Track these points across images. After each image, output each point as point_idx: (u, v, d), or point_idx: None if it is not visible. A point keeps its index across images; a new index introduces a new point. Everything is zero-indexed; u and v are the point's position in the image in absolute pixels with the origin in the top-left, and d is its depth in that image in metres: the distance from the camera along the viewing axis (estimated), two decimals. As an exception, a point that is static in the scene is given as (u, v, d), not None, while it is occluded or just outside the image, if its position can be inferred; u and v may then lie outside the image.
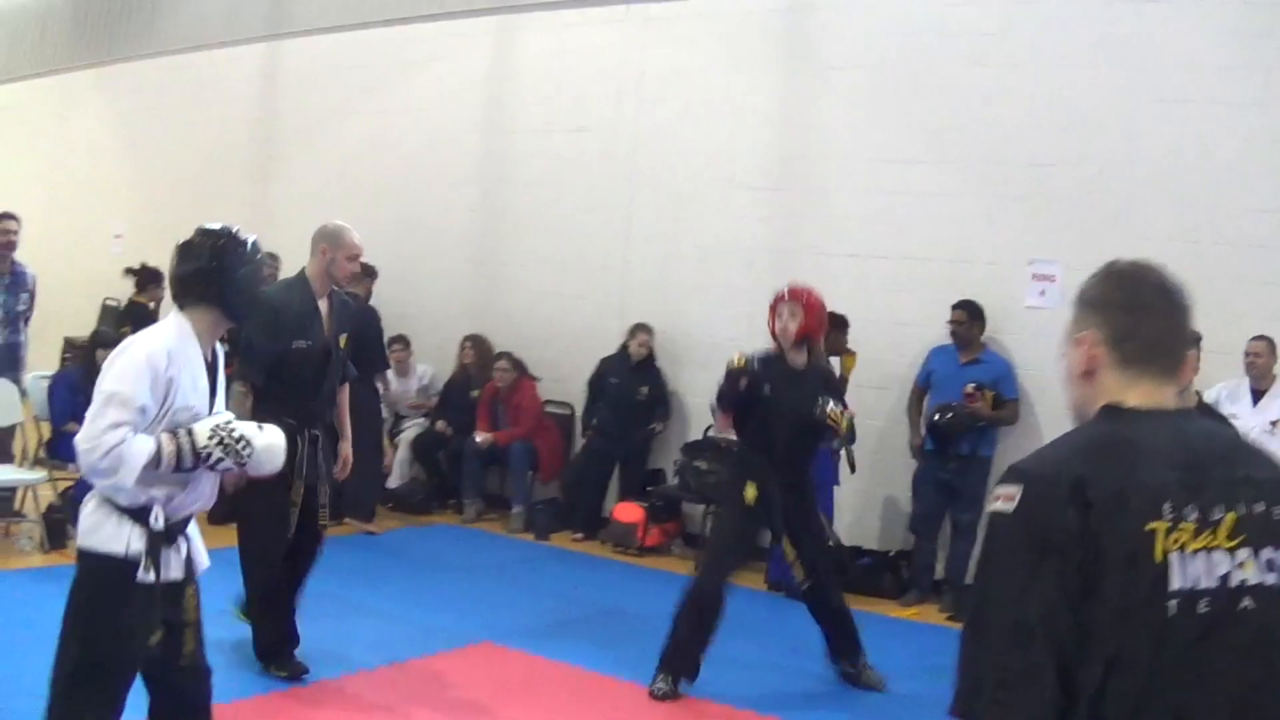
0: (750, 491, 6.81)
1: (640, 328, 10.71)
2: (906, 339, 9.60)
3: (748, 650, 7.25)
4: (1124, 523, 2.07)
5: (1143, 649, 2.05)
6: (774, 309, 6.95)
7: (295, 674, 6.40)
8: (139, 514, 4.08)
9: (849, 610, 7.16)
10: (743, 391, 6.72)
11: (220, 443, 4.17)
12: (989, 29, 9.39)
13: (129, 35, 15.95)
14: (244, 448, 4.23)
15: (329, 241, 6.58)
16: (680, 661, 6.71)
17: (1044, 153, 9.13)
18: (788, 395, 6.75)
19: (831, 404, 6.76)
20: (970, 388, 8.80)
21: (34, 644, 6.05)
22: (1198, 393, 6.07)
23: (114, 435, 3.96)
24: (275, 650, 6.42)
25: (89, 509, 4.15)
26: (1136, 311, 2.31)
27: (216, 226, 4.39)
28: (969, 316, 9.07)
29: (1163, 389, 2.30)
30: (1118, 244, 8.78)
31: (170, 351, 4.10)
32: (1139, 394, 2.28)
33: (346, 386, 7.08)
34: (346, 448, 7.02)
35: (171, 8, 15.36)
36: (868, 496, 9.89)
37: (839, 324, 9.22)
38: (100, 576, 4.11)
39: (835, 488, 9.26)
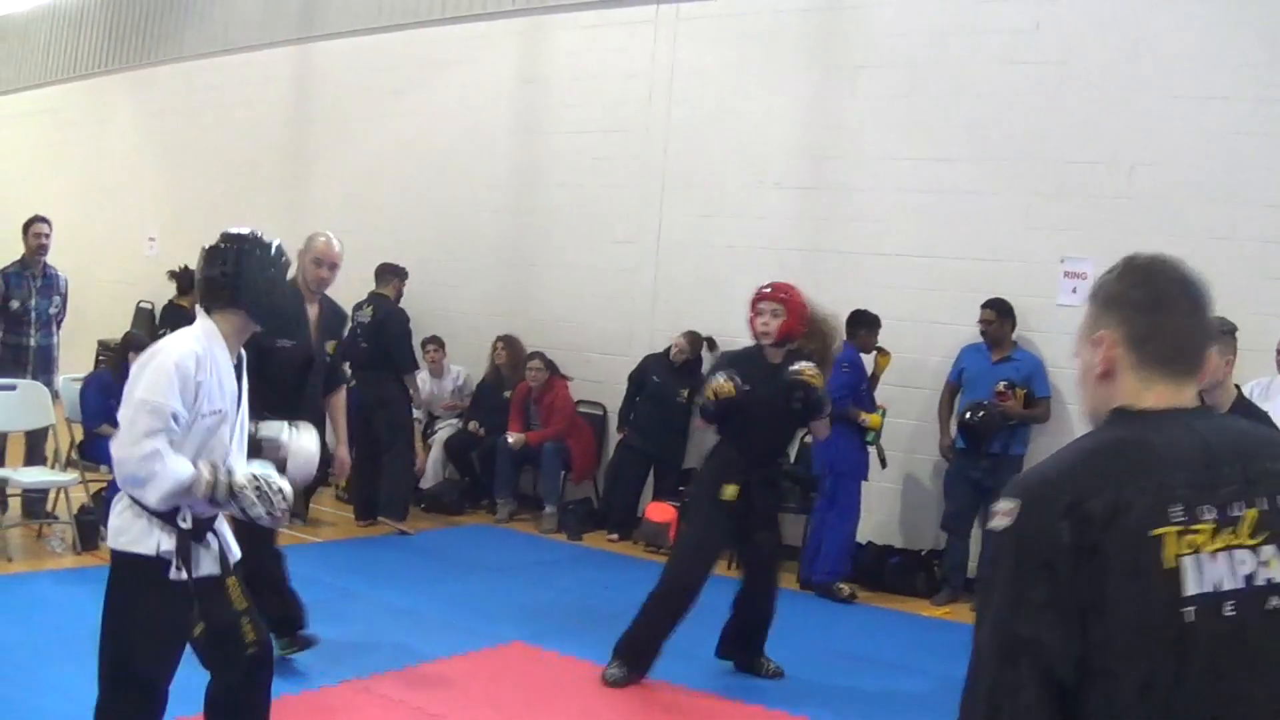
0: (729, 491, 6.77)
1: (686, 334, 10.66)
2: (938, 338, 9.57)
3: (778, 650, 7.22)
4: (1126, 531, 1.98)
5: (1163, 662, 1.97)
6: (754, 307, 6.87)
7: (308, 645, 6.52)
8: (167, 515, 4.11)
9: (766, 619, 7.10)
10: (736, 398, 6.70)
11: (257, 489, 4.21)
12: (1021, 26, 9.34)
13: (162, 39, 16.05)
14: (279, 499, 4.28)
15: (302, 247, 6.72)
16: (639, 652, 6.73)
17: (1076, 150, 9.08)
18: (765, 390, 6.69)
19: (804, 363, 6.68)
20: (1001, 386, 8.77)
21: (66, 644, 6.12)
22: (1237, 386, 5.99)
23: (149, 444, 4.01)
24: (288, 622, 6.45)
25: (118, 510, 4.18)
26: (1157, 310, 2.21)
27: (240, 231, 4.42)
28: (998, 315, 9.04)
29: (1182, 390, 2.21)
30: (1150, 241, 8.71)
31: (199, 356, 4.13)
32: (1155, 396, 2.19)
33: (342, 392, 7.22)
34: (343, 451, 7.10)
35: (204, 12, 15.43)
36: (899, 495, 9.88)
37: (870, 323, 9.23)
38: (131, 577, 4.15)
39: (864, 483, 9.26)
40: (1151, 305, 2.22)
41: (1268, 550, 2.06)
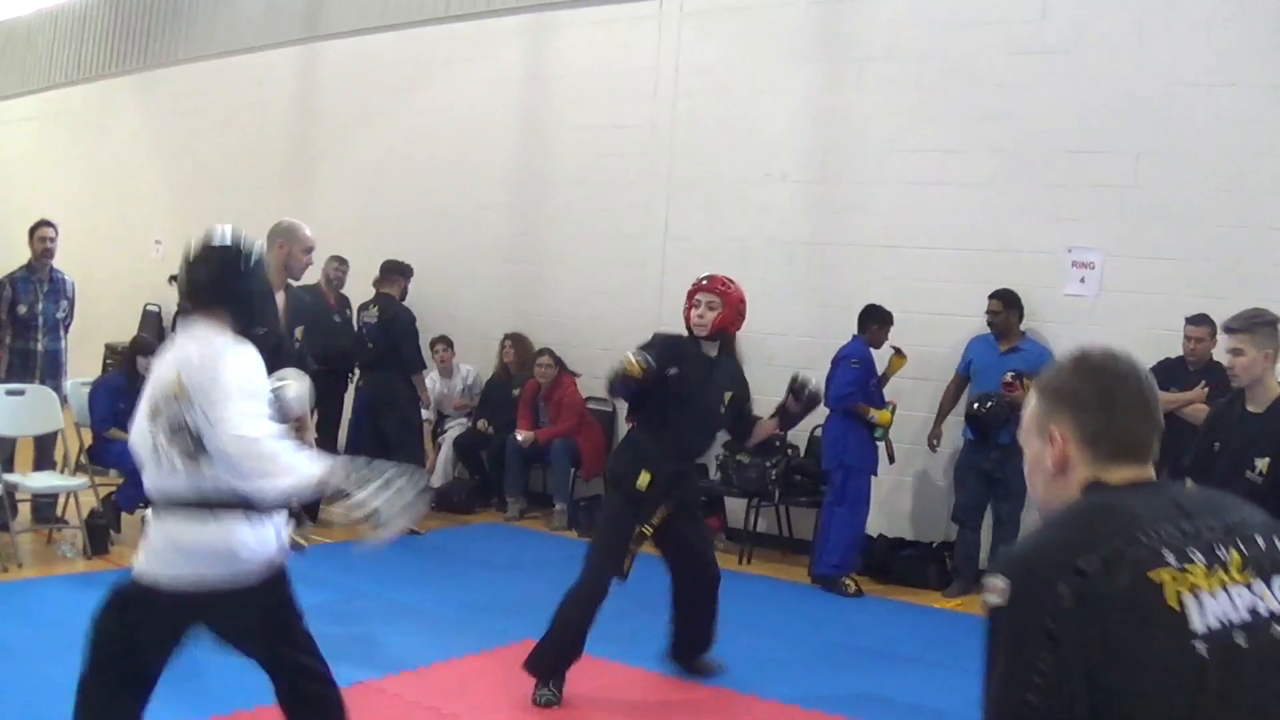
0: (644, 479, 6.44)
1: None
2: (947, 329, 9.55)
3: (792, 643, 7.20)
4: (1124, 579, 2.01)
5: (1178, 701, 1.98)
6: (691, 298, 6.65)
7: None
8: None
9: (705, 621, 6.86)
10: (642, 381, 6.29)
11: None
12: (1027, 16, 9.32)
13: (167, 40, 16.04)
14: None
15: (285, 236, 6.78)
16: (562, 663, 6.38)
17: (1083, 140, 9.06)
18: (697, 383, 6.47)
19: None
20: (1009, 377, 8.73)
21: (76, 649, 6.10)
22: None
23: (267, 425, 3.98)
24: None
25: (216, 529, 4.04)
26: (1109, 409, 2.27)
27: (220, 238, 4.30)
28: (1005, 306, 9.02)
29: (1141, 471, 2.27)
30: (1158, 230, 8.74)
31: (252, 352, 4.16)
32: (1118, 477, 2.24)
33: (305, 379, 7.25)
34: (308, 437, 7.14)
35: (208, 12, 15.43)
36: (909, 487, 9.87)
37: (883, 318, 9.20)
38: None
39: (873, 477, 9.24)
40: (1101, 404, 2.27)
41: (1259, 585, 2.10)
